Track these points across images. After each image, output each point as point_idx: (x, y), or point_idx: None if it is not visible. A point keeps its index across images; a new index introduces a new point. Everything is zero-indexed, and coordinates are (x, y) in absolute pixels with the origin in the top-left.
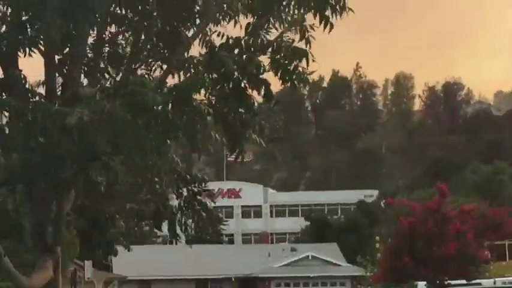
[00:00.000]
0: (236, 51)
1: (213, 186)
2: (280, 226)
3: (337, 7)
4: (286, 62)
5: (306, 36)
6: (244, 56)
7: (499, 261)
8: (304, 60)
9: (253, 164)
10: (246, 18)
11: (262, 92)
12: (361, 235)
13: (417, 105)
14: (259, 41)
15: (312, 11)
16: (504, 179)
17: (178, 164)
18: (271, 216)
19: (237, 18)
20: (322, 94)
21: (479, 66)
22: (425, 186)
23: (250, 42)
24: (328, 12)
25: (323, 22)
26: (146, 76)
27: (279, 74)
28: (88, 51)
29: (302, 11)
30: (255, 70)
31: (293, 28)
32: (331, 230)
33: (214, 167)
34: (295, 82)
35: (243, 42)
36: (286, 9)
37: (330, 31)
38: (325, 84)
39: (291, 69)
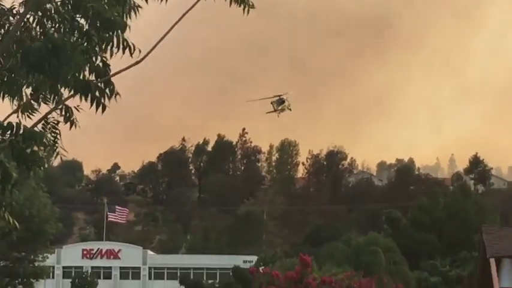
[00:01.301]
0: None
1: (92, 246)
2: None
3: (107, 91)
4: (24, 145)
5: (72, 118)
6: None
7: None
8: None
9: (135, 225)
10: None
11: None
12: None
13: (301, 172)
14: None
15: (79, 94)
16: (377, 249)
17: None
18: (150, 278)
19: None
20: (206, 158)
21: (364, 137)
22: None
23: None
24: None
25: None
26: None
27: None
28: None
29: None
30: None
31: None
32: None
33: (95, 227)
34: (30, 166)
35: None
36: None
37: (102, 112)
38: (210, 148)
39: (29, 152)
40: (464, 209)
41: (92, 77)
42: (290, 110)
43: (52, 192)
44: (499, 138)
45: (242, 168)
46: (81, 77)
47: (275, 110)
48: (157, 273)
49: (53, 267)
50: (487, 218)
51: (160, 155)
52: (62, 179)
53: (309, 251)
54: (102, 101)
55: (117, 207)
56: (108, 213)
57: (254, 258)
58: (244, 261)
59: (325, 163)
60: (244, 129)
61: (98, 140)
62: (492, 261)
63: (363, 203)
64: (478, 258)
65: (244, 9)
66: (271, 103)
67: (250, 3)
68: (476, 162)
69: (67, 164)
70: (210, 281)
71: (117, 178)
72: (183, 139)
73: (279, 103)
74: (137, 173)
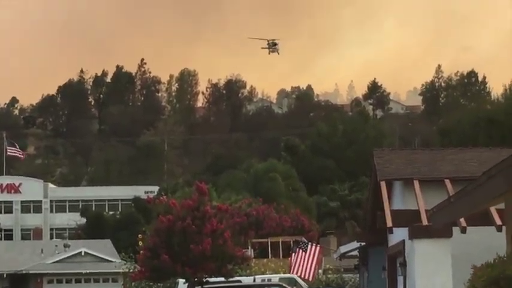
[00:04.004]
0: None
1: None
2: (60, 221)
3: None
4: None
5: None
6: None
7: (262, 259)
8: None
9: (35, 159)
10: None
11: None
12: (135, 232)
13: (201, 101)
14: None
15: None
16: (276, 176)
17: None
18: (52, 211)
19: None
20: (105, 89)
21: (264, 65)
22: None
23: None
24: None
25: None
26: None
27: None
28: None
29: None
30: None
31: None
32: (106, 226)
33: None
34: None
35: None
36: None
37: None
38: (108, 80)
39: None
40: (363, 134)
41: None
42: (278, 53)
43: None
44: (396, 64)
45: (142, 98)
46: None
47: (268, 48)
48: (58, 206)
49: None
50: (385, 142)
51: (60, 88)
52: None
53: (210, 180)
54: None
55: (15, 145)
56: (8, 147)
57: (156, 188)
58: (146, 192)
59: (224, 92)
60: (143, 59)
61: None
62: (383, 184)
63: (263, 131)
64: (370, 182)
65: None
66: (267, 43)
67: None
68: (374, 88)
69: None
70: (111, 213)
71: (16, 112)
72: (82, 71)
73: (273, 45)
74: (36, 106)
